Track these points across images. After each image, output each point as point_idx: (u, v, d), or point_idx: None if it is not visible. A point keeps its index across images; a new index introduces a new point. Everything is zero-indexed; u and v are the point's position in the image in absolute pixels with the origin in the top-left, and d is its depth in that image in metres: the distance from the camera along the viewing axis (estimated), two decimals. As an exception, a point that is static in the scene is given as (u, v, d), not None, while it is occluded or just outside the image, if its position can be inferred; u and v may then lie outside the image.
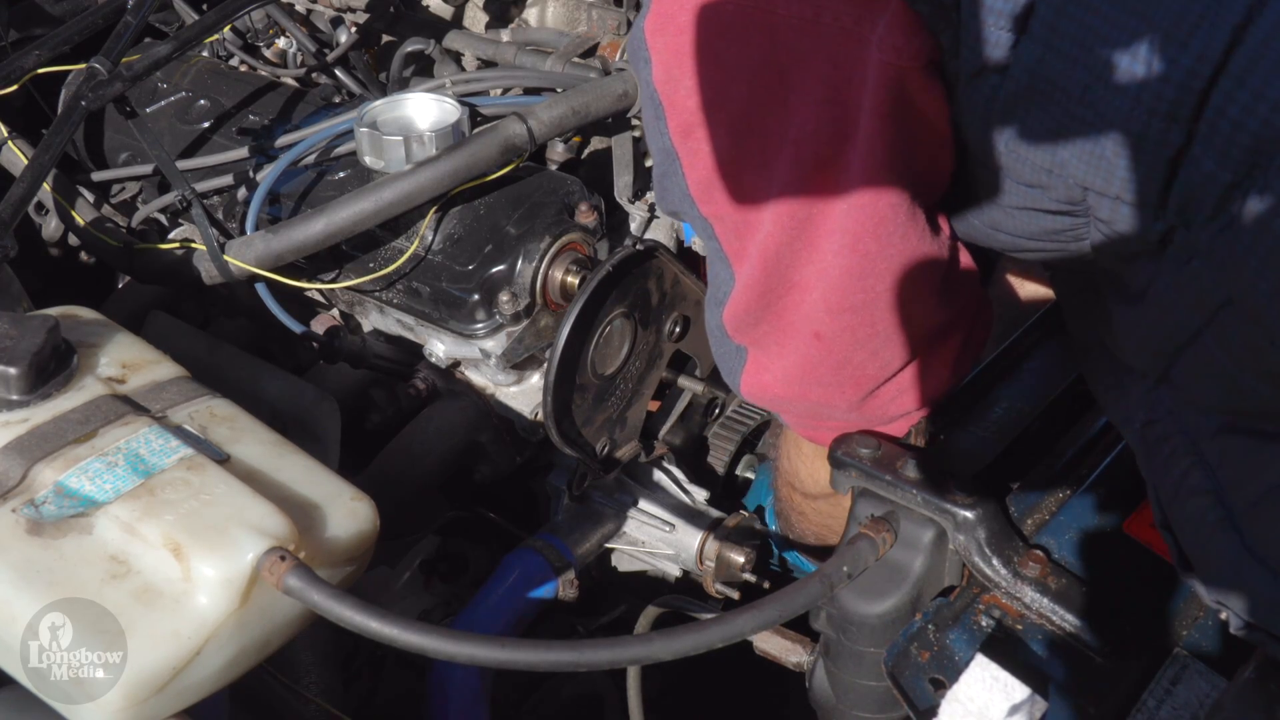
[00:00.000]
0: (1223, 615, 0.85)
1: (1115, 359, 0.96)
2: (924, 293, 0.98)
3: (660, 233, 1.62)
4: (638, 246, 1.31)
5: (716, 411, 1.66)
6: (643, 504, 1.52)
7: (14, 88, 1.42)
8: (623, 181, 1.59)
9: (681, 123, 0.95)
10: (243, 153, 1.54)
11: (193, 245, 1.42)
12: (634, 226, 1.60)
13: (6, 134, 1.52)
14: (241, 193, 1.52)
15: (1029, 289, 1.49)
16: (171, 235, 1.56)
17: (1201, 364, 0.84)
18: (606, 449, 1.40)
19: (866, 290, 0.96)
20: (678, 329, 1.43)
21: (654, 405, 1.53)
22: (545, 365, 1.31)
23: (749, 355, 1.06)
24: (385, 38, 1.83)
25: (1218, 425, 0.84)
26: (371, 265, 1.42)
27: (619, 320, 1.34)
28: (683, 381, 1.54)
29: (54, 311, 1.07)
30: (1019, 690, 0.85)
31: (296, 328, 1.46)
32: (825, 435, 1.09)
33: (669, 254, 1.36)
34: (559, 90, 1.55)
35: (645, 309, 1.37)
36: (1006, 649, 0.93)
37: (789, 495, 1.34)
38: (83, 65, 1.37)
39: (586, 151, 1.68)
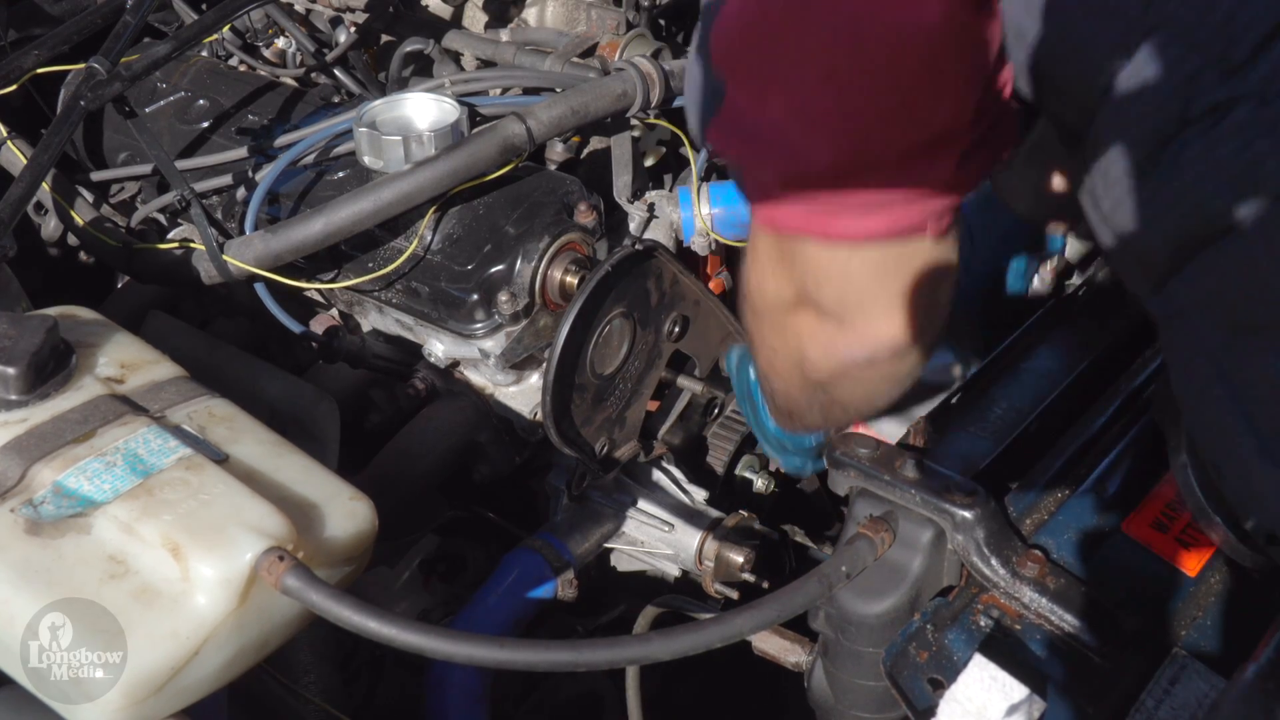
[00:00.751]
0: (1248, 525, 0.82)
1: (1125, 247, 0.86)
2: (966, 67, 0.84)
3: (659, 233, 1.62)
4: (637, 246, 1.31)
5: (716, 412, 1.66)
6: (642, 504, 1.52)
7: (13, 87, 1.42)
8: (622, 181, 1.59)
9: None
10: (242, 152, 1.54)
11: (192, 245, 1.42)
12: (633, 226, 1.60)
13: (6, 134, 1.51)
14: (240, 192, 1.52)
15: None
16: (170, 235, 1.56)
17: (1232, 262, 0.76)
18: (605, 449, 1.40)
19: (893, 42, 0.81)
20: (677, 329, 1.43)
21: (653, 405, 1.53)
22: (544, 365, 1.31)
23: (728, 89, 0.89)
24: (384, 37, 1.83)
25: (1229, 332, 0.77)
26: (370, 265, 1.42)
27: (618, 320, 1.34)
28: (682, 381, 1.54)
29: (53, 311, 1.07)
30: (1017, 690, 0.85)
31: (295, 328, 1.46)
32: (783, 213, 0.94)
33: (668, 254, 1.36)
34: (558, 90, 1.55)
35: (644, 309, 1.37)
36: (1005, 649, 0.93)
37: (746, 320, 1.11)
38: (82, 65, 1.37)
39: (585, 151, 1.68)
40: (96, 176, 1.63)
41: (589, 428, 1.37)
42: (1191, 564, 0.99)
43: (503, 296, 1.36)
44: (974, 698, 0.85)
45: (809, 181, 0.89)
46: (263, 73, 1.74)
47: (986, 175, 0.94)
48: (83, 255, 1.72)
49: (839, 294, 0.97)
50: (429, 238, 1.40)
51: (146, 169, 1.58)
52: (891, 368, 1.01)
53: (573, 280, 1.39)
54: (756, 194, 0.94)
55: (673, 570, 1.55)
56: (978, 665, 0.87)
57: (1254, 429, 0.77)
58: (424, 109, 1.44)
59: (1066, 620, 0.94)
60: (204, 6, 1.71)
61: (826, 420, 1.19)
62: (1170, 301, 0.81)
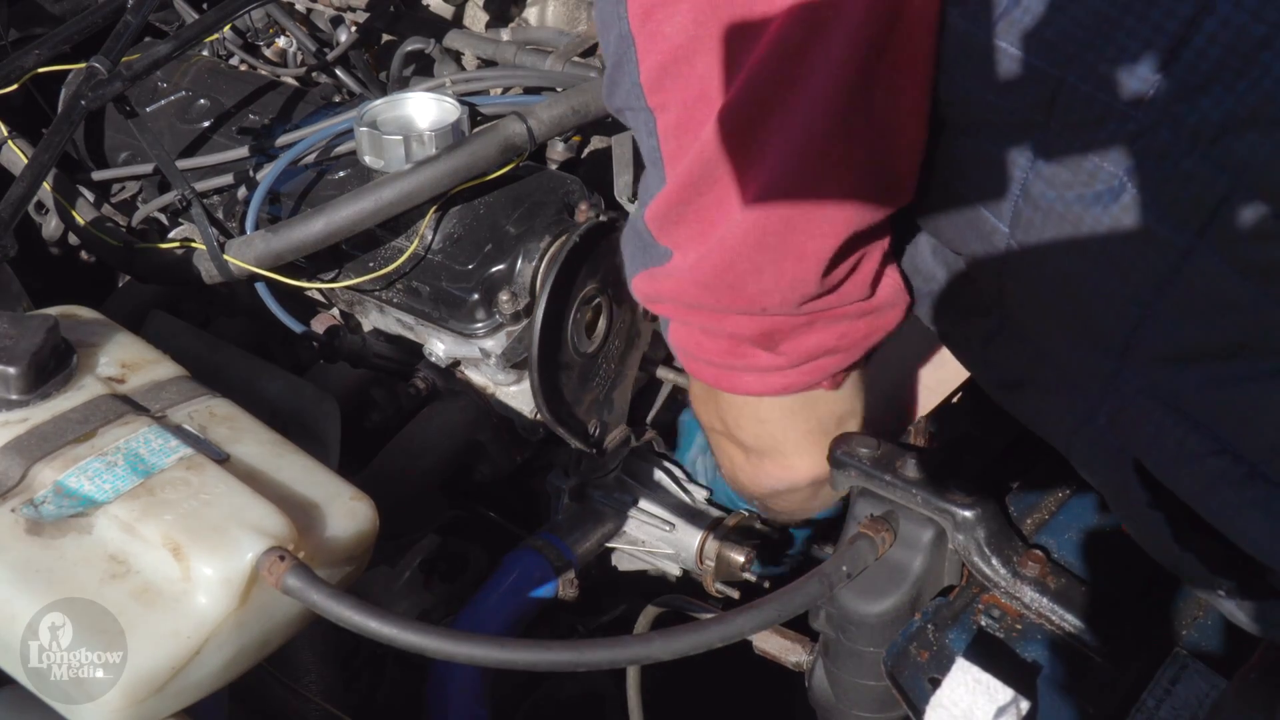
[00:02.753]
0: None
1: (1056, 369, 0.90)
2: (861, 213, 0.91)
3: (660, 232, 1.62)
4: (600, 218, 1.32)
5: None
6: (643, 503, 1.52)
7: (14, 87, 1.42)
8: (622, 181, 1.59)
9: (642, 5, 0.89)
10: (243, 152, 1.54)
11: (193, 244, 1.42)
12: (634, 226, 1.60)
13: (6, 133, 1.51)
14: (241, 192, 1.52)
15: None
16: (171, 234, 1.56)
17: (1191, 293, 0.76)
18: (597, 431, 1.41)
19: (801, 195, 0.88)
20: None
21: None
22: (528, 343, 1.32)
23: (674, 256, 0.99)
24: (385, 37, 1.83)
25: (1201, 380, 0.78)
26: (371, 264, 1.42)
27: (593, 294, 1.34)
28: (661, 373, 1.54)
29: (53, 311, 1.07)
30: (1002, 692, 0.85)
31: (296, 327, 1.46)
32: (697, 366, 1.05)
33: None
34: (559, 89, 1.55)
35: (618, 285, 1.37)
36: (1005, 649, 0.93)
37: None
38: (82, 64, 1.37)
39: (586, 151, 1.68)
40: (97, 176, 1.62)
41: (579, 408, 1.37)
42: (1193, 564, 0.99)
43: (504, 296, 1.36)
44: (959, 702, 0.85)
45: (715, 342, 1.02)
46: (263, 72, 1.74)
47: (878, 340, 1.04)
48: (84, 255, 1.73)
49: (754, 435, 1.10)
50: (430, 237, 1.40)
51: (147, 168, 1.58)
52: (813, 492, 1.17)
53: (574, 280, 1.39)
54: (676, 343, 1.06)
55: (674, 569, 1.55)
56: (961, 669, 0.87)
57: (1240, 459, 0.77)
58: (425, 108, 1.44)
59: (1068, 620, 0.93)
60: (205, 6, 1.71)
61: (767, 514, 1.41)
62: (1125, 388, 0.83)
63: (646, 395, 1.60)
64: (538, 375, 1.29)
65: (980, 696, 0.85)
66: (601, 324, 1.39)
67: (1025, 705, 0.85)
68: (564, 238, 1.34)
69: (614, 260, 1.35)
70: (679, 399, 1.63)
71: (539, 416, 1.44)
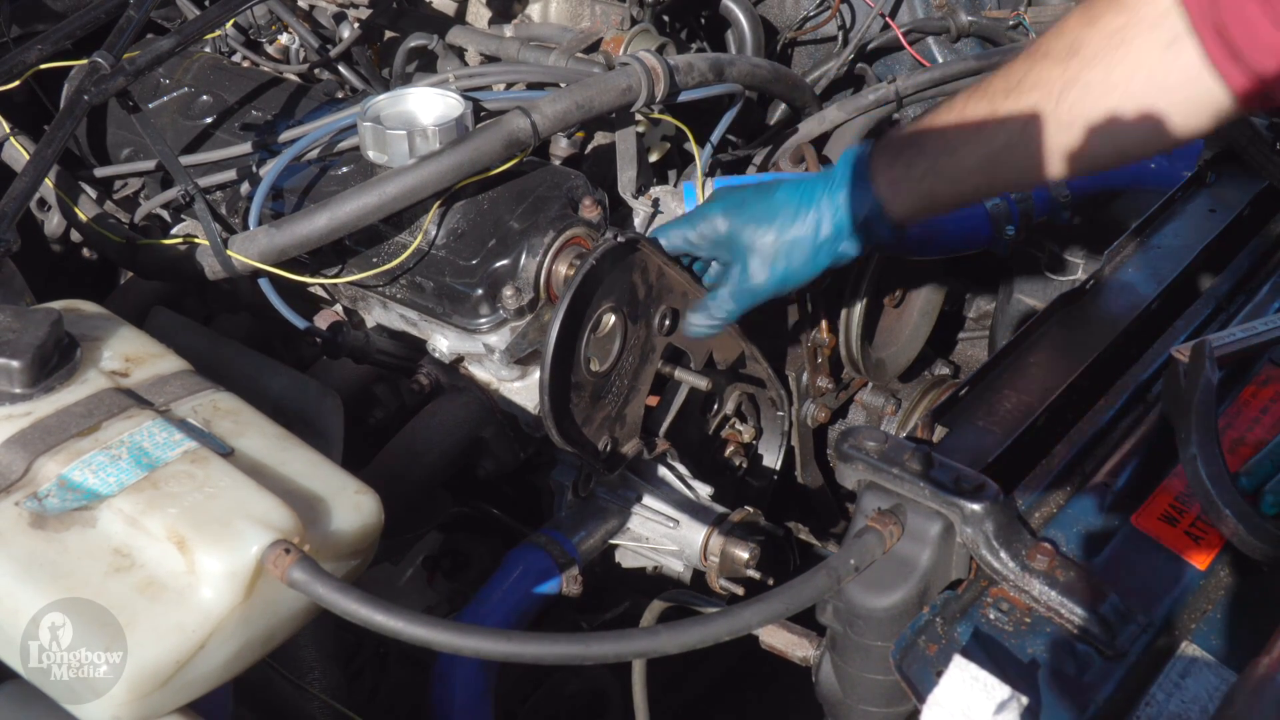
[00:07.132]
0: None
1: None
2: None
3: (664, 228, 1.61)
4: (619, 239, 1.31)
5: (715, 406, 1.65)
6: (646, 499, 1.51)
7: (16, 83, 1.41)
8: (626, 176, 1.59)
9: None
10: (245, 148, 1.54)
11: (195, 240, 1.42)
12: (637, 222, 1.60)
13: (8, 129, 1.51)
14: (244, 188, 1.51)
15: None
16: (174, 231, 1.56)
17: None
18: (609, 447, 1.40)
19: None
20: (667, 322, 1.42)
21: (652, 401, 1.52)
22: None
23: None
24: (388, 33, 1.83)
25: None
26: (375, 260, 1.42)
27: (607, 314, 1.33)
28: (680, 375, 1.53)
29: (57, 305, 1.06)
30: (1000, 689, 0.84)
31: (299, 323, 1.45)
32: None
33: (651, 245, 1.36)
34: (562, 85, 1.54)
35: (633, 302, 1.36)
36: (1008, 644, 0.93)
37: None
38: (85, 60, 1.37)
39: (590, 146, 1.68)
40: (100, 172, 1.62)
41: (590, 427, 1.36)
42: (1200, 557, 0.99)
43: (507, 291, 1.35)
44: (957, 699, 0.84)
45: None
46: (266, 69, 1.74)
47: None
48: (86, 251, 1.72)
49: None
50: (433, 232, 1.39)
51: (150, 165, 1.58)
52: None
53: (577, 275, 1.38)
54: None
55: (677, 566, 1.55)
56: (958, 667, 0.86)
57: None
58: (428, 103, 1.43)
59: (1076, 613, 0.93)
60: (207, 2, 1.70)
61: None
62: None
63: (660, 402, 1.58)
64: (549, 399, 1.28)
65: (978, 694, 0.84)
66: (616, 343, 1.37)
67: (1025, 701, 0.84)
68: (580, 259, 1.32)
69: (630, 278, 1.35)
70: (693, 409, 1.62)
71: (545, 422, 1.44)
